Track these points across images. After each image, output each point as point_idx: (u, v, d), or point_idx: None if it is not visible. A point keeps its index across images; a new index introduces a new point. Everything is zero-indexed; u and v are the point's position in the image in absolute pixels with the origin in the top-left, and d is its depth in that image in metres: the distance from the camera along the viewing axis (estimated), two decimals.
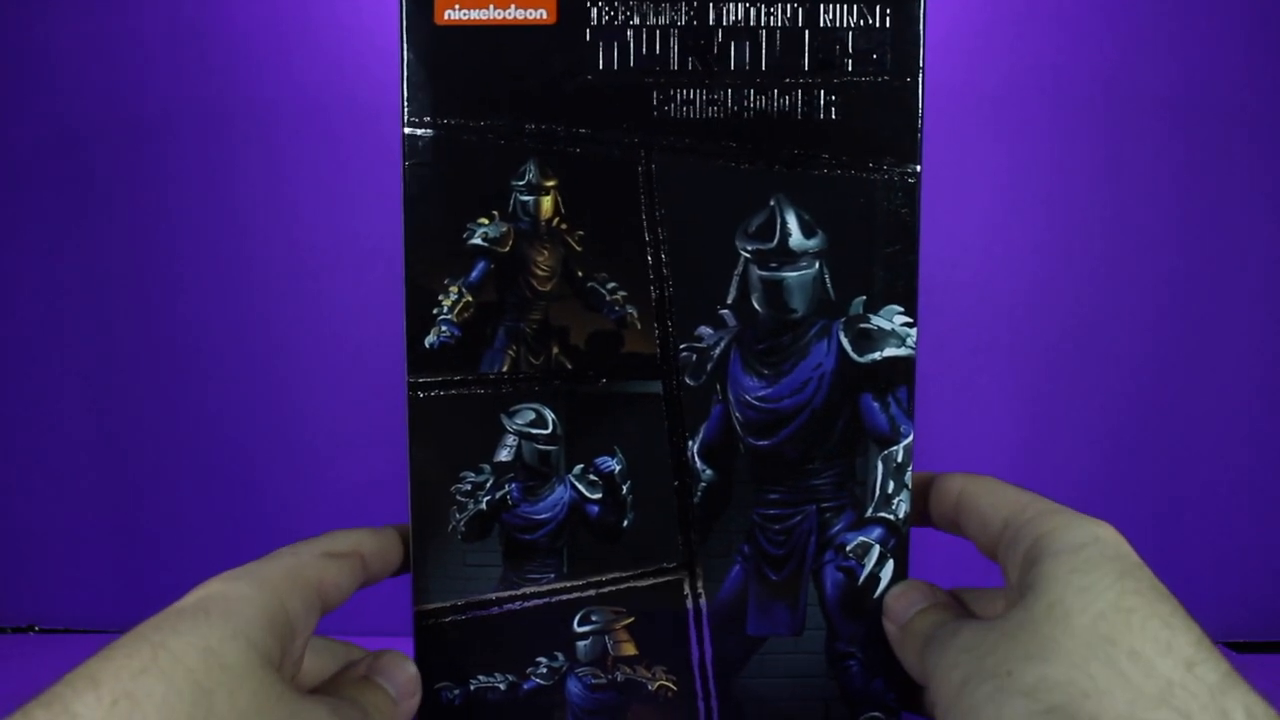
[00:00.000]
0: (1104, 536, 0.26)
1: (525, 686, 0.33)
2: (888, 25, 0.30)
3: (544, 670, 0.33)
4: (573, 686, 0.33)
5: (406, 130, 0.31)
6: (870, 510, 0.32)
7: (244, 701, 0.23)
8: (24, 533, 0.63)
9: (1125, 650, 0.22)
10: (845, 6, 0.30)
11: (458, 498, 0.32)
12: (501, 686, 0.33)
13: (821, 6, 0.30)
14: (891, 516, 0.32)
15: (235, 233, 0.60)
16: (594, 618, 0.32)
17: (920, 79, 0.30)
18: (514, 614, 0.32)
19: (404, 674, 0.30)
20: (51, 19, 0.60)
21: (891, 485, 0.32)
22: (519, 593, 0.32)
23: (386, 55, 0.58)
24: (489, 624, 0.32)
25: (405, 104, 0.31)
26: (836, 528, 0.32)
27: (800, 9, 0.30)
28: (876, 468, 0.32)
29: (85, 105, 0.60)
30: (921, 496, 0.33)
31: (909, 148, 0.30)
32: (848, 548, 0.32)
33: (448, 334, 0.31)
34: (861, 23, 0.30)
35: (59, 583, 0.62)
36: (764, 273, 0.31)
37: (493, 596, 0.32)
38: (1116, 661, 0.22)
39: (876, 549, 0.32)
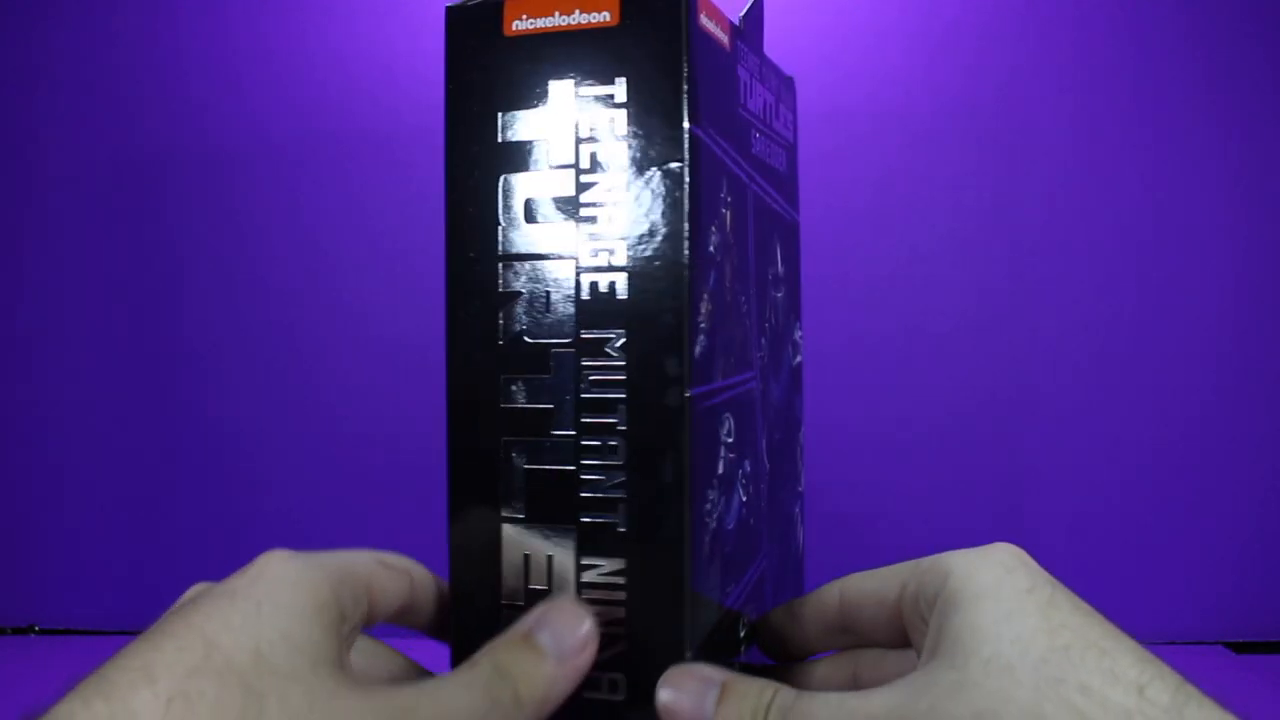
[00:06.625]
0: (1010, 564, 0.25)
1: None
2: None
3: None
4: None
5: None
6: None
7: (296, 702, 0.23)
8: (24, 533, 0.61)
9: (1075, 687, 0.22)
10: None
11: (705, 519, 0.28)
12: None
13: None
14: None
15: (239, 234, 0.64)
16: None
17: None
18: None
19: (576, 629, 0.26)
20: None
21: None
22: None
23: None
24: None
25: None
26: None
27: None
28: None
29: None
30: (797, 620, 0.32)
31: None
32: None
33: (705, 343, 0.29)
34: None
35: (59, 583, 0.60)
36: None
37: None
38: (1070, 701, 0.21)
39: None
